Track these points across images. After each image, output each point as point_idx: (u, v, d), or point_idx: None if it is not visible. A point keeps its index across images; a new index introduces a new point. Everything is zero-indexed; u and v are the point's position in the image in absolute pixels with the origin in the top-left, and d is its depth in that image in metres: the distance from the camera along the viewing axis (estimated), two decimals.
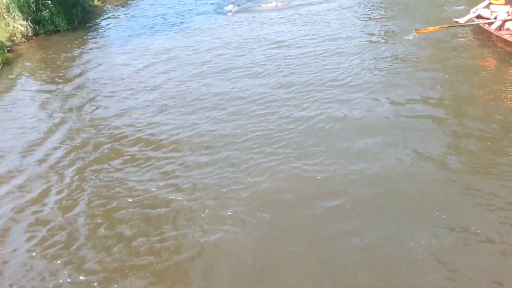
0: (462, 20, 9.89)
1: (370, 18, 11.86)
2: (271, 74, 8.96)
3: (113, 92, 9.19)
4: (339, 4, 13.13)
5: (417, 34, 9.64)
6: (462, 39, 9.68)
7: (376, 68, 8.77)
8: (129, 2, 16.87)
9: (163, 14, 14.55)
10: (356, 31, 10.91)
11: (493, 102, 7.16)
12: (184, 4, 15.67)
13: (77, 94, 9.36)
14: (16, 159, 7.08)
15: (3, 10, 13.17)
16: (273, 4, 13.75)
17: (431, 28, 9.54)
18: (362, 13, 12.34)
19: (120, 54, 11.37)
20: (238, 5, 14.19)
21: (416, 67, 8.66)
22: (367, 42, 10.26)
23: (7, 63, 11.36)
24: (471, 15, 9.89)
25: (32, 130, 7.97)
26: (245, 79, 8.92)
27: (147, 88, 9.11)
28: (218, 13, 13.97)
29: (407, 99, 7.46)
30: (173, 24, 13.37)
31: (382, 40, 10.28)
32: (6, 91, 9.94)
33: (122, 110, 8.35)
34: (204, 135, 7.09)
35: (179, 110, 8.01)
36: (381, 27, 11.05)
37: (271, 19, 12.61)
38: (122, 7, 16.22)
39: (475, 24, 9.59)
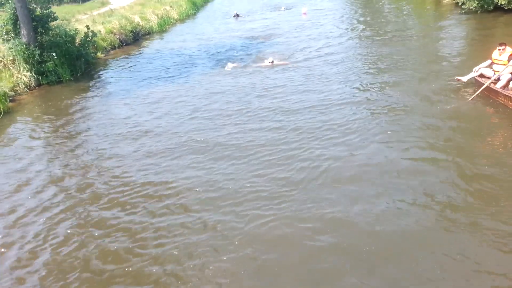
0: (464, 79, 9.82)
1: (367, 72, 12.12)
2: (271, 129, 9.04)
3: (110, 142, 9.25)
4: (334, 58, 13.68)
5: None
6: (467, 96, 9.44)
7: (381, 128, 8.39)
8: (131, 55, 17.50)
9: (162, 68, 15.06)
10: (349, 88, 10.88)
11: (499, 155, 7.04)
12: (183, 56, 16.36)
13: (74, 146, 9.38)
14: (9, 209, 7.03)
15: (8, 61, 13.60)
16: (270, 60, 13.79)
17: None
18: (356, 68, 12.62)
19: (120, 105, 11.57)
20: (236, 63, 14.37)
21: (421, 122, 8.44)
22: (365, 99, 10.00)
23: (9, 112, 11.57)
24: (473, 74, 9.77)
25: (27, 182, 7.94)
26: (236, 128, 9.08)
27: (143, 136, 9.25)
28: (215, 67, 14.37)
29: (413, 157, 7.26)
30: (171, 77, 13.78)
31: (383, 96, 10.04)
32: (5, 140, 10.02)
33: (119, 159, 8.40)
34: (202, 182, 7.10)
35: (171, 157, 8.09)
36: (382, 80, 11.04)
37: (266, 77, 12.55)
38: (124, 59, 16.78)
39: (480, 83, 9.48)
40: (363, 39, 16.45)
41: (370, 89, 10.67)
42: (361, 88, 10.74)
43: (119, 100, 12.05)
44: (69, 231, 6.26)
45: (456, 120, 8.47)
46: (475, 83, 9.93)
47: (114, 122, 10.43)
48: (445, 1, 21.57)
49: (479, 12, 17.44)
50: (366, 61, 13.32)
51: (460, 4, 18.40)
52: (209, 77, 13.25)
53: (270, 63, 13.66)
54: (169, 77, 13.85)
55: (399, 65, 12.33)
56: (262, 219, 5.98)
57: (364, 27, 18.56)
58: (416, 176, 6.65)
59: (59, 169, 8.32)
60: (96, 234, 6.12)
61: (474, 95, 9.24)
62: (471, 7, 17.61)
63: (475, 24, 16.58)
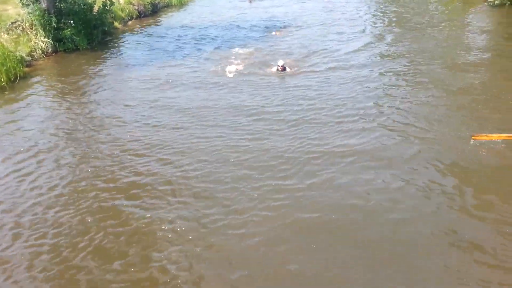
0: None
1: (395, 86, 10.11)
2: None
3: (118, 116, 9.40)
4: (355, 63, 11.84)
5: (474, 140, 7.57)
6: None
7: (428, 188, 6.62)
8: (148, 26, 17.45)
9: (179, 40, 15.06)
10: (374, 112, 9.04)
11: None
12: (201, 28, 16.32)
13: (84, 114, 9.64)
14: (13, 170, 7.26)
15: (27, 26, 13.70)
16: (280, 64, 11.37)
17: (493, 136, 7.55)
18: (384, 86, 10.37)
19: (133, 76, 11.71)
20: (239, 64, 12.11)
21: (473, 184, 6.70)
22: (403, 139, 7.98)
23: (24, 77, 11.74)
24: None
25: (35, 144, 8.19)
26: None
27: (152, 107, 9.41)
28: (223, 53, 13.47)
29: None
30: (184, 53, 13.77)
31: (429, 144, 7.78)
32: (19, 104, 10.22)
33: (123, 125, 8.59)
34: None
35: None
36: (427, 127, 8.37)
37: (272, 94, 10.16)
38: (141, 30, 16.76)
39: None
40: (387, 37, 14.47)
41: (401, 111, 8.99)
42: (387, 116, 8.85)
43: (132, 71, 12.18)
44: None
45: None
46: None
47: (125, 92, 10.65)
48: None
49: (507, 5, 16.93)
50: (392, 70, 11.39)
51: None
52: (220, 55, 13.19)
53: (279, 68, 11.28)
54: (181, 52, 13.81)
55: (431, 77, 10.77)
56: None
57: (388, 20, 17.28)
58: None
59: (68, 131, 8.68)
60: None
61: None
62: (496, 1, 17.12)
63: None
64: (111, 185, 6.84)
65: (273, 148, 7.70)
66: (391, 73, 11.20)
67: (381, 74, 11.15)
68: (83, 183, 6.92)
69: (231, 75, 11.31)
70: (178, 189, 6.67)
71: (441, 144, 7.71)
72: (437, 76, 10.83)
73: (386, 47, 13.34)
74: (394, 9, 19.13)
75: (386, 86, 10.35)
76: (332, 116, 8.83)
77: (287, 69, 11.44)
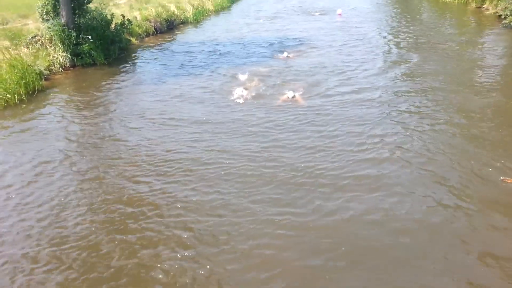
0: None
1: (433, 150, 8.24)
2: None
3: (134, 128, 9.48)
4: (369, 95, 10.82)
5: (505, 183, 6.97)
6: None
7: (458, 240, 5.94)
8: (164, 43, 17.68)
9: (194, 58, 15.20)
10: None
11: None
12: (216, 45, 16.39)
13: (101, 127, 9.72)
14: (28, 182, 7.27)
15: (46, 41, 13.96)
16: (290, 95, 10.75)
17: None
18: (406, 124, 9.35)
19: (149, 92, 11.81)
20: (247, 88, 11.49)
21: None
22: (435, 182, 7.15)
23: (42, 90, 11.91)
24: None
25: (51, 158, 8.24)
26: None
27: (167, 123, 9.43)
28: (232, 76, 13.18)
29: None
30: (200, 70, 13.87)
31: (453, 183, 7.08)
32: (36, 116, 10.35)
33: (141, 139, 8.60)
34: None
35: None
36: (450, 162, 7.69)
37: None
38: (157, 47, 16.97)
39: None
40: (402, 59, 14.21)
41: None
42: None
43: (148, 87, 12.29)
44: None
45: None
46: None
47: (141, 107, 10.74)
48: (486, 12, 20.96)
49: None
50: (408, 94, 10.95)
51: (503, 17, 17.84)
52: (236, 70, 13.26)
53: (290, 98, 10.67)
54: (196, 70, 13.93)
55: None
56: None
57: (404, 40, 17.01)
58: None
59: (84, 143, 8.70)
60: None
61: None
62: (511, 23, 17.10)
63: None
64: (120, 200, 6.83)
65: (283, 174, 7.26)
66: (408, 97, 10.83)
67: (397, 95, 10.94)
68: (94, 193, 6.92)
69: (240, 100, 10.73)
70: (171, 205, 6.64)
71: (468, 186, 6.89)
72: (457, 100, 10.44)
73: (403, 70, 13.11)
74: (409, 29, 19.16)
75: (403, 112, 9.83)
76: (347, 144, 8.31)
77: (297, 96, 10.74)
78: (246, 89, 11.38)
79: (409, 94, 11.04)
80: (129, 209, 6.58)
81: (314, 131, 8.99)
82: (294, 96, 10.65)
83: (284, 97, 10.80)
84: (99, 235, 6.02)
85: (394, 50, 15.56)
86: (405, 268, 5.38)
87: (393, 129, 9.01)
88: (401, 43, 16.51)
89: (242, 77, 12.52)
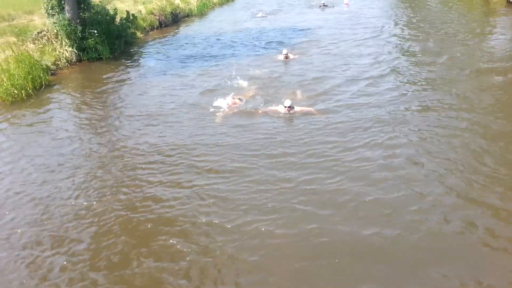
0: None
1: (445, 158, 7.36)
2: None
3: (139, 121, 9.53)
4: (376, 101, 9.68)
5: None
6: None
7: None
8: (169, 36, 17.73)
9: (198, 51, 15.23)
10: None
11: None
12: (216, 43, 16.34)
13: (108, 121, 9.80)
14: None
15: (52, 36, 14.06)
16: (287, 104, 9.27)
17: None
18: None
19: (154, 85, 11.85)
20: (239, 95, 10.32)
21: None
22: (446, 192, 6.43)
23: (49, 85, 12.02)
24: None
25: (59, 150, 8.34)
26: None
27: (171, 116, 9.48)
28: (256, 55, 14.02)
29: None
30: (204, 63, 13.90)
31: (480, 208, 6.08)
32: (43, 111, 10.47)
33: (145, 141, 8.66)
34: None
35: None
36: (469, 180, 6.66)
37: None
38: (162, 40, 17.03)
39: None
40: (412, 52, 13.69)
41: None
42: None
43: (153, 80, 12.34)
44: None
45: None
46: None
47: (147, 100, 10.78)
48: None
49: None
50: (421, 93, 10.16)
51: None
52: (244, 65, 13.23)
53: (286, 109, 9.27)
54: (202, 61, 13.97)
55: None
56: None
57: (410, 31, 16.64)
58: None
59: (91, 138, 8.78)
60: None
61: None
62: None
63: None
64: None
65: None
66: (419, 96, 10.08)
67: (407, 96, 10.21)
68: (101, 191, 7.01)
69: (234, 110, 9.63)
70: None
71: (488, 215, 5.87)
72: (472, 100, 9.57)
73: (413, 66, 12.59)
74: (417, 20, 18.96)
75: (416, 113, 9.07)
76: (355, 161, 7.25)
77: (296, 108, 9.39)
78: (246, 91, 10.73)
79: (421, 96, 10.17)
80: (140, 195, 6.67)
81: None
82: (290, 107, 9.28)
83: (280, 108, 9.43)
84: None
85: (413, 46, 14.59)
86: None
87: (407, 138, 8.01)
88: (413, 36, 16.28)
89: (243, 79, 11.58)
